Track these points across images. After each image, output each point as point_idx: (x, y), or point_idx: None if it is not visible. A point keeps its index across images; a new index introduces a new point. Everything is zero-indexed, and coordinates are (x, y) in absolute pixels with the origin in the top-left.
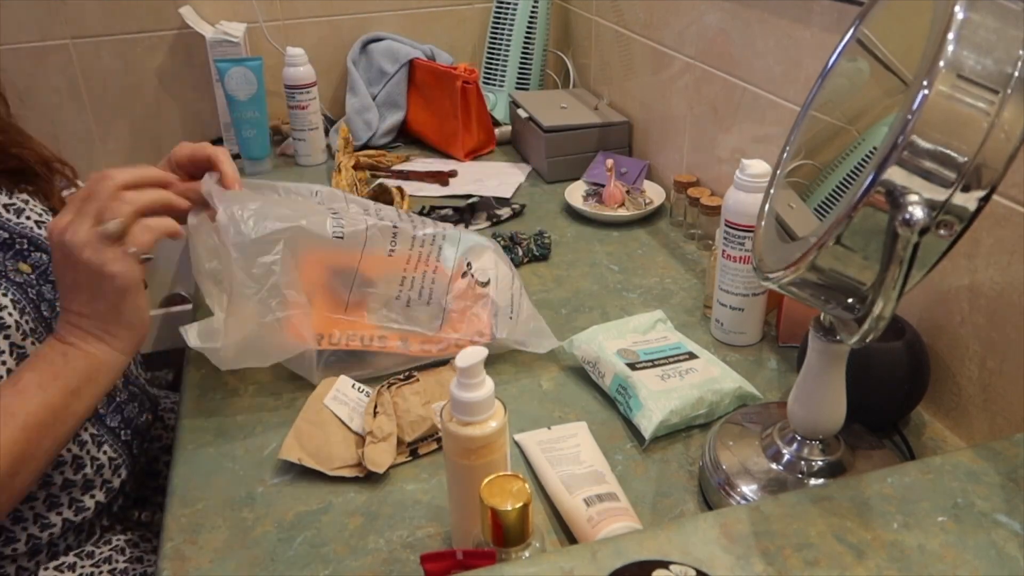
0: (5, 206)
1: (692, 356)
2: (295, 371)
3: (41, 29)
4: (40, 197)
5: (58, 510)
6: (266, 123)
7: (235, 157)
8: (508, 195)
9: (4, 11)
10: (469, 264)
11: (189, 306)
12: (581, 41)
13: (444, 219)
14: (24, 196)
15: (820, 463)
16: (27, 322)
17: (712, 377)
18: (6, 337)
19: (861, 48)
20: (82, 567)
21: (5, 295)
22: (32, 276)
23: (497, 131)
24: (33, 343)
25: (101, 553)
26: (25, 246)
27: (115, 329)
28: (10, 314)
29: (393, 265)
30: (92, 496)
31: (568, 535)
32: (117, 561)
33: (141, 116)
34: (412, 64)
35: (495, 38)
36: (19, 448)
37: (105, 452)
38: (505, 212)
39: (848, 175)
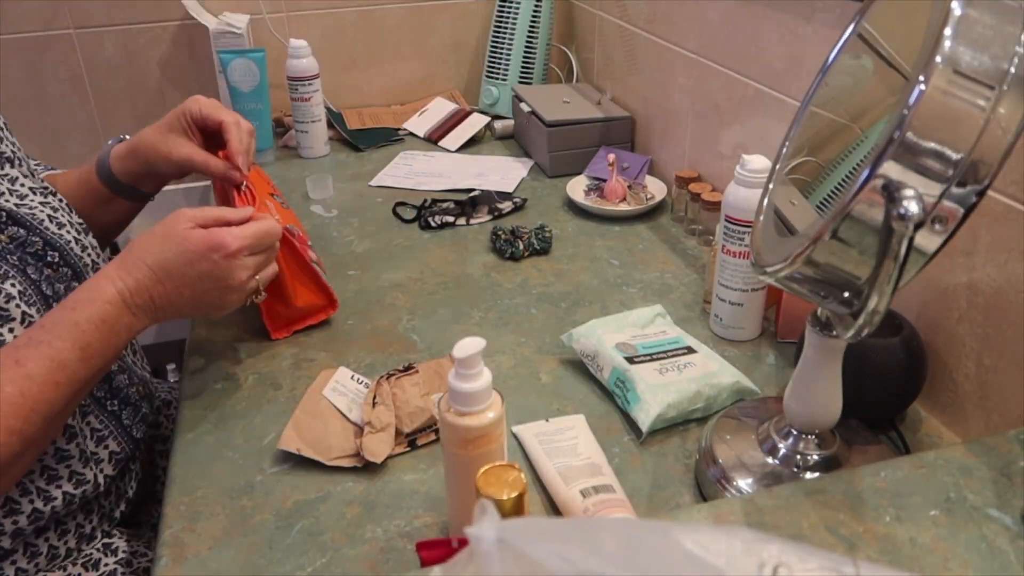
0: None
1: (690, 351)
2: None
3: (44, 19)
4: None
5: (57, 483)
6: (269, 115)
7: None
8: (510, 189)
9: (7, 1)
10: None
11: None
12: (584, 36)
13: (446, 212)
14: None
15: (815, 457)
16: (35, 313)
17: (710, 371)
18: (11, 331)
19: (863, 44)
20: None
21: (14, 286)
22: (11, 246)
23: (499, 125)
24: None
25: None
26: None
27: (167, 319)
28: (17, 305)
29: None
30: (89, 471)
31: None
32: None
33: (144, 107)
34: None
35: (499, 32)
36: (73, 405)
37: (89, 423)
38: (506, 206)
39: (850, 172)
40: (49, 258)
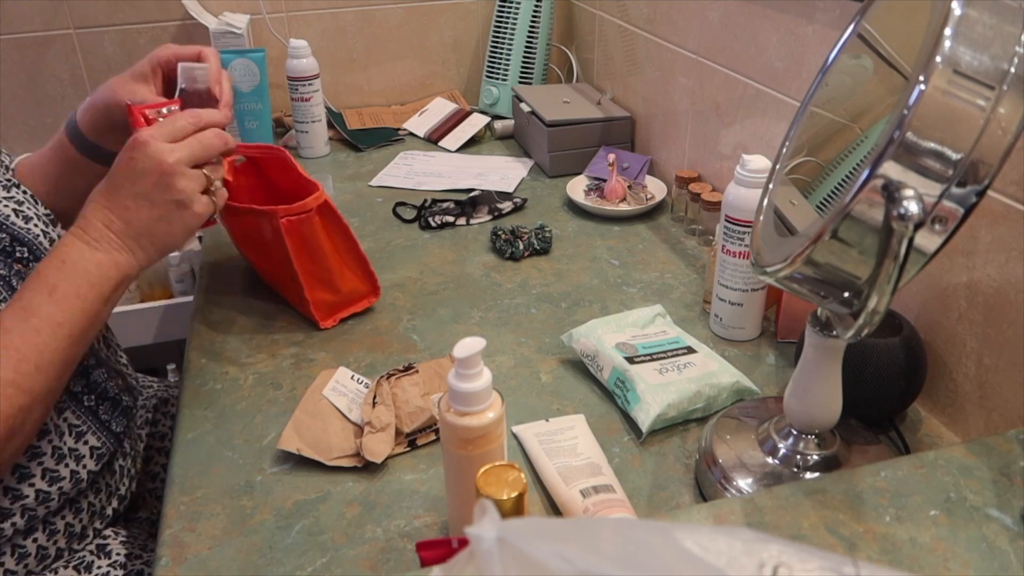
0: None
1: (690, 351)
2: None
3: (44, 19)
4: None
5: (30, 480)
6: (269, 115)
7: None
8: (510, 189)
9: (7, 1)
10: None
11: (191, 298)
12: (585, 36)
13: (446, 212)
14: None
15: (815, 457)
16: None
17: (710, 371)
18: None
19: (863, 44)
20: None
21: None
22: None
23: (499, 125)
24: None
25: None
26: None
27: (149, 248)
28: None
29: None
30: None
31: None
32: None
33: None
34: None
35: (499, 32)
36: (66, 355)
37: (66, 419)
38: (507, 206)
39: (850, 172)
40: (18, 254)
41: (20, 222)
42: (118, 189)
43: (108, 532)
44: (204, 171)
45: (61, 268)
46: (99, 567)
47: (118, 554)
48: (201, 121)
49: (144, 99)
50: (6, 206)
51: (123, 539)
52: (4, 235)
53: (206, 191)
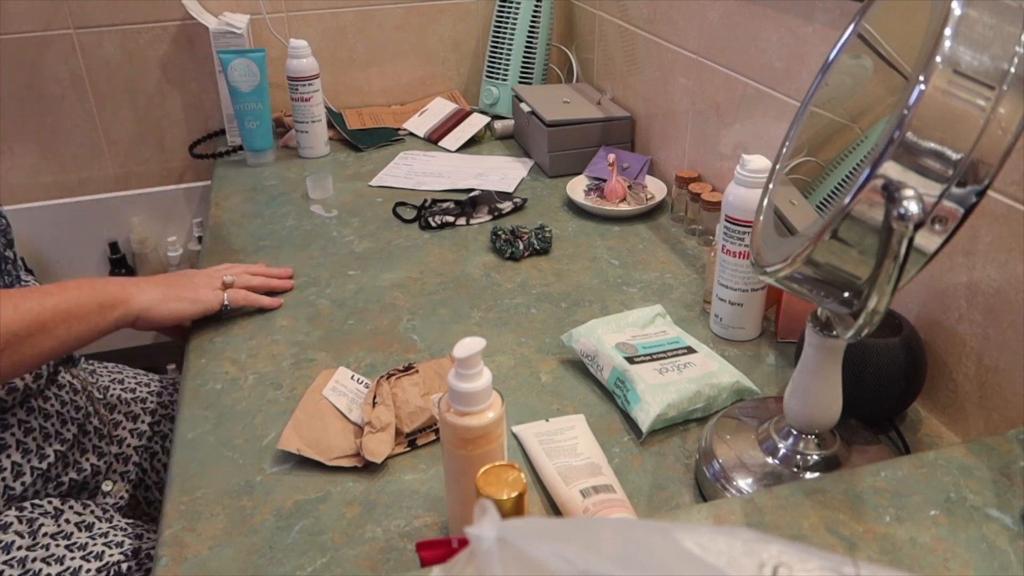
0: None
1: (690, 351)
2: None
3: (44, 19)
4: None
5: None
6: (269, 115)
7: (238, 149)
8: (510, 189)
9: (7, 1)
10: None
11: None
12: (585, 36)
13: (446, 212)
14: None
15: (815, 457)
16: None
17: (710, 371)
18: None
19: (863, 44)
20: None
21: None
22: None
23: (499, 125)
24: None
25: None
26: None
27: (154, 291)
28: None
29: None
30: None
31: None
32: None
33: (144, 106)
34: None
35: (499, 32)
36: (40, 319)
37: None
38: (507, 206)
39: (850, 172)
40: None
41: None
42: (146, 279)
43: (107, 528)
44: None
45: (79, 278)
46: (111, 555)
47: (120, 550)
48: (264, 285)
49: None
50: None
51: (126, 534)
52: None
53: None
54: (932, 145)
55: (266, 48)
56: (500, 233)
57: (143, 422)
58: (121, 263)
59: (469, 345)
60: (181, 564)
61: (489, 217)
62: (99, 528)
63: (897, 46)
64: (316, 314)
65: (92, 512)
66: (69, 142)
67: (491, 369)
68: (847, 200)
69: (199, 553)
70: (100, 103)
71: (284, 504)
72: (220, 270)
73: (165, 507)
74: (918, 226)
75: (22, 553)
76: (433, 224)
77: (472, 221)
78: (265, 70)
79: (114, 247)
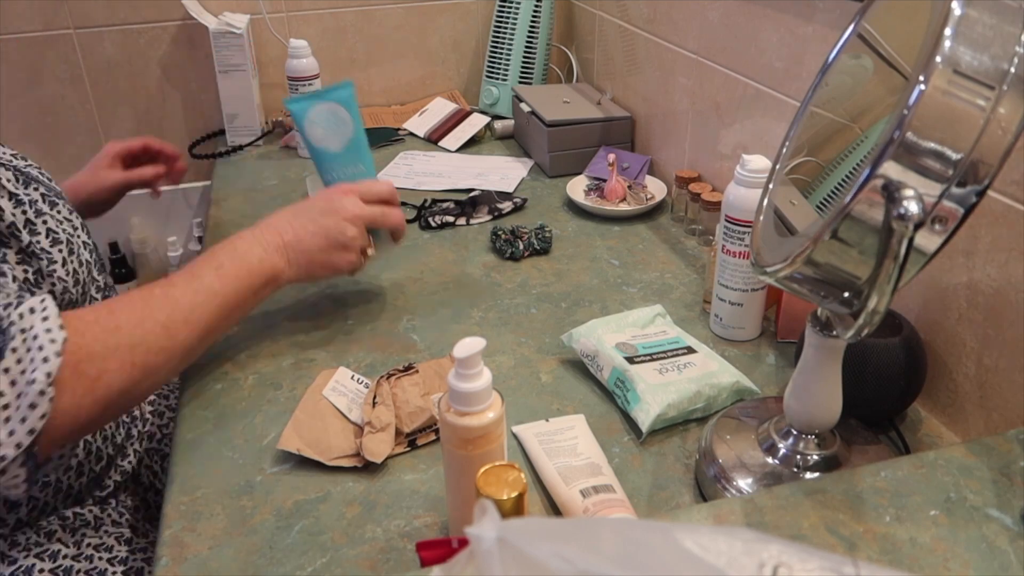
0: None
1: (690, 351)
2: None
3: (44, 19)
4: None
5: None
6: (374, 174)
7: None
8: (510, 189)
9: (7, 1)
10: None
11: None
12: (585, 36)
13: (446, 212)
14: None
15: (815, 457)
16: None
17: (710, 371)
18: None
19: (863, 44)
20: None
21: (60, 251)
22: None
23: (499, 125)
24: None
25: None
26: None
27: (300, 267)
28: (60, 278)
29: None
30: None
31: None
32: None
33: (144, 106)
34: None
35: (499, 32)
36: (211, 321)
37: None
38: (507, 206)
39: (850, 172)
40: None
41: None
42: (306, 212)
43: (107, 524)
44: (370, 237)
45: (232, 253)
46: (118, 550)
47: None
48: (394, 198)
49: (126, 177)
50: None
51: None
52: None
53: (363, 252)
54: (932, 145)
55: (353, 82)
56: (500, 233)
57: (149, 423)
58: (121, 263)
59: (469, 345)
60: (181, 564)
61: (489, 217)
62: (106, 531)
63: (897, 46)
64: (316, 314)
65: (96, 513)
66: (69, 142)
67: (491, 369)
68: (847, 200)
69: (199, 553)
70: (100, 103)
71: (284, 504)
72: (355, 213)
73: (165, 507)
74: (918, 226)
75: (30, 561)
76: (433, 224)
77: (472, 221)
78: (357, 114)
79: (114, 247)
